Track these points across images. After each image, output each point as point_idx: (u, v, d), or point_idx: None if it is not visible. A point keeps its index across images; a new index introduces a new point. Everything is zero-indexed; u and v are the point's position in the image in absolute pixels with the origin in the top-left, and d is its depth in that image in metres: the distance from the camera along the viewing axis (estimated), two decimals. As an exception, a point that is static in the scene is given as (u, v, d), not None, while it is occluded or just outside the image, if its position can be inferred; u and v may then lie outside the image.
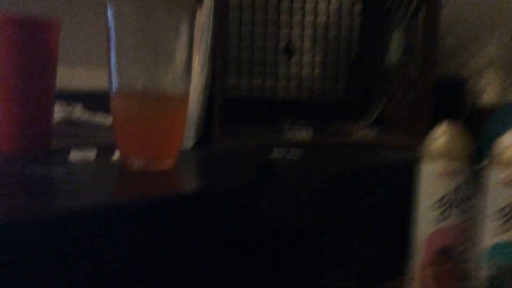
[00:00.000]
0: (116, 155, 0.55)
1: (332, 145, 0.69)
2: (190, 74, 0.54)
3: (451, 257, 0.52)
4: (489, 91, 0.92)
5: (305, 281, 0.52)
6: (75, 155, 0.54)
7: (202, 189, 0.45)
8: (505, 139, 0.49)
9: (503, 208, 0.47)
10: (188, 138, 0.62)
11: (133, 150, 0.51)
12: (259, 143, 0.67)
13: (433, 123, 0.65)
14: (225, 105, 0.68)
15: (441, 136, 0.53)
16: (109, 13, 0.49)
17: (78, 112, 0.67)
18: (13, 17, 0.53)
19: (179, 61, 0.51)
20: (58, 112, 0.64)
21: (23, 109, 0.55)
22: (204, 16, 0.64)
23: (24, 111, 0.55)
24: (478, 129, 0.55)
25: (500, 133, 0.52)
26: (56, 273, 0.32)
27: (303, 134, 0.77)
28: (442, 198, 0.51)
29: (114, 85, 0.50)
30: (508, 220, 0.47)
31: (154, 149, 0.52)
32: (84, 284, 0.33)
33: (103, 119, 0.69)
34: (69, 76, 0.66)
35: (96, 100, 0.68)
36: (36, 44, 0.54)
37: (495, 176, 0.48)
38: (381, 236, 0.55)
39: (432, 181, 0.52)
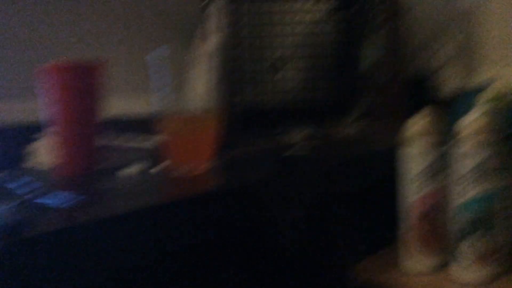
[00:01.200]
0: (153, 169, 0.68)
1: (328, 142, 0.82)
2: (216, 96, 0.66)
3: (431, 219, 0.65)
4: (450, 82, 1.06)
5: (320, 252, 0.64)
6: (122, 172, 0.66)
7: (240, 184, 0.56)
8: (464, 120, 0.62)
9: (464, 175, 0.60)
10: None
11: (176, 160, 0.64)
12: (267, 146, 0.80)
13: (407, 114, 0.79)
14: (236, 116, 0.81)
15: (418, 121, 0.66)
16: (149, 57, 0.62)
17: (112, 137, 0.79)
18: (68, 65, 0.64)
19: (207, 87, 0.64)
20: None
21: (77, 138, 0.66)
22: (210, 44, 0.77)
23: (78, 142, 0.66)
24: (444, 114, 0.68)
25: (460, 116, 0.65)
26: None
27: (299, 136, 0.90)
28: (420, 171, 0.65)
29: (160, 110, 0.63)
30: (468, 184, 0.60)
31: (193, 158, 0.64)
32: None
33: (130, 142, 0.81)
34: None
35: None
36: (86, 84, 0.65)
37: (458, 150, 0.62)
38: (377, 212, 0.68)
39: (412, 158, 0.65)
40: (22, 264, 0.37)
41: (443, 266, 0.65)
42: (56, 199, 0.46)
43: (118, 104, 0.98)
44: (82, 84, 0.65)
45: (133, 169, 0.67)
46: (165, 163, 0.64)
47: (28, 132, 0.81)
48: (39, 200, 0.47)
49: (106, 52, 1.02)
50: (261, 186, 0.54)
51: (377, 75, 0.94)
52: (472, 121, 0.61)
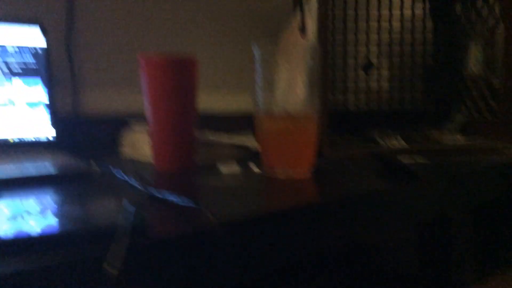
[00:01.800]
0: (254, 167, 0.65)
1: (429, 151, 0.76)
2: (315, 96, 0.63)
3: None
4: None
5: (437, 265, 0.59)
6: (224, 169, 0.63)
7: (347, 194, 0.53)
8: None
9: None
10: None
11: (277, 161, 0.60)
12: (367, 152, 0.75)
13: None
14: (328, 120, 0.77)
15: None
16: (256, 55, 0.59)
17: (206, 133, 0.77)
18: (166, 60, 0.63)
19: (305, 86, 0.61)
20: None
21: (176, 133, 0.64)
22: (305, 43, 0.73)
23: (177, 135, 0.65)
24: None
25: None
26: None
27: (394, 142, 0.85)
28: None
29: (260, 108, 0.60)
30: None
31: (293, 160, 0.61)
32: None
33: (226, 139, 0.78)
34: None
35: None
36: (183, 79, 0.63)
37: None
38: (494, 232, 0.62)
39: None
40: (153, 265, 0.34)
41: None
42: (178, 197, 0.43)
43: (213, 101, 0.97)
44: (181, 78, 0.63)
45: (234, 168, 0.64)
46: (266, 162, 0.60)
47: (121, 123, 0.80)
48: (162, 196, 0.45)
49: (199, 48, 1.01)
50: (371, 196, 0.50)
51: (483, 85, 0.88)
52: None
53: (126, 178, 0.53)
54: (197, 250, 0.37)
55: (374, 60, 1.02)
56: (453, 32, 0.98)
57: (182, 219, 0.40)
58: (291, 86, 0.61)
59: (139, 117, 0.73)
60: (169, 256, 0.35)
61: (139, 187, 0.48)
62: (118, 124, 0.80)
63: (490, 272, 0.63)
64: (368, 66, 1.03)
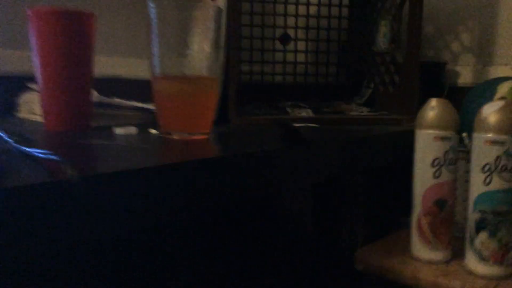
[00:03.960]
0: (152, 130, 0.63)
1: (333, 121, 0.78)
2: (218, 61, 0.61)
3: (443, 208, 0.62)
4: (464, 74, 1.03)
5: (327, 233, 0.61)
6: (119, 130, 0.61)
7: (241, 153, 0.52)
8: (485, 110, 0.59)
9: (484, 165, 0.58)
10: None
11: (173, 124, 0.59)
12: (271, 119, 0.76)
13: (419, 101, 0.75)
14: (238, 88, 0.76)
15: (432, 110, 0.63)
16: (151, 10, 0.56)
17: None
18: (56, 10, 0.58)
19: (208, 50, 0.59)
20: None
21: (67, 91, 0.61)
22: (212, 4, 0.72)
23: (68, 93, 0.61)
24: (456, 106, 0.65)
25: (477, 107, 0.62)
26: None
27: (304, 113, 0.86)
28: (435, 159, 0.62)
29: (157, 70, 0.58)
30: (489, 175, 0.57)
31: (190, 123, 0.59)
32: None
33: (124, 102, 0.76)
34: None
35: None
36: (77, 34, 0.59)
37: (478, 140, 0.59)
38: (387, 196, 0.65)
39: (426, 146, 0.62)
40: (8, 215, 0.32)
41: (454, 256, 0.63)
42: (44, 152, 0.40)
43: (113, 64, 0.92)
44: (74, 32, 0.59)
45: (130, 129, 0.61)
46: (163, 125, 0.59)
47: (22, 81, 0.75)
48: (25, 149, 0.42)
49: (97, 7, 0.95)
50: (265, 156, 0.50)
51: (389, 61, 0.91)
52: (496, 109, 0.58)
53: (1, 134, 0.49)
54: (55, 202, 0.35)
55: (291, 32, 1.03)
56: (366, 9, 1.00)
57: (44, 171, 0.37)
58: (195, 49, 0.59)
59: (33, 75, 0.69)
60: (25, 205, 0.33)
61: (5, 142, 0.45)
62: (14, 85, 0.74)
63: (380, 234, 0.66)
64: (285, 38, 1.03)
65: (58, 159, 0.37)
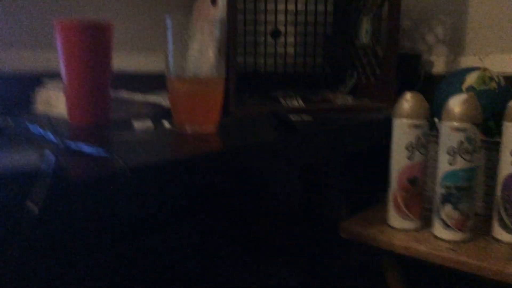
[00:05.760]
0: (166, 123, 0.72)
1: (321, 110, 0.88)
2: (223, 62, 0.70)
3: (415, 184, 0.73)
4: (437, 64, 1.14)
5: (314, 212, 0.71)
6: (137, 125, 0.70)
7: (243, 144, 0.62)
8: (452, 100, 0.70)
9: (450, 148, 0.69)
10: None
11: (186, 118, 0.68)
12: (267, 110, 0.85)
13: (397, 90, 0.86)
14: (236, 82, 0.85)
15: (406, 102, 0.73)
16: (167, 22, 0.65)
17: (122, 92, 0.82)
18: (80, 24, 0.67)
19: (215, 54, 0.68)
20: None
21: (89, 90, 0.70)
22: (216, 14, 0.80)
23: (90, 92, 0.70)
24: (431, 93, 0.75)
25: (447, 96, 0.73)
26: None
27: (294, 102, 0.96)
28: (408, 143, 0.72)
29: (172, 71, 0.67)
30: (453, 156, 0.68)
31: (201, 118, 0.69)
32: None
33: (141, 97, 0.84)
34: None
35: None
36: (97, 42, 0.68)
37: (445, 127, 0.70)
38: (366, 172, 0.76)
39: (401, 133, 0.73)
40: (67, 209, 0.40)
41: (424, 225, 0.74)
42: (91, 148, 0.49)
43: (129, 61, 1.01)
44: (95, 41, 0.68)
45: (147, 124, 0.71)
46: (177, 119, 0.68)
47: (37, 79, 0.83)
48: (75, 147, 0.50)
49: (114, 12, 1.03)
50: (262, 147, 0.60)
51: (370, 54, 1.01)
52: (459, 101, 0.69)
53: (42, 132, 0.57)
54: (108, 193, 0.43)
55: (281, 28, 1.12)
56: (350, 7, 1.09)
57: (96, 166, 0.46)
58: (203, 54, 0.68)
59: (53, 76, 0.77)
60: (85, 197, 0.42)
61: (55, 140, 0.54)
62: (30, 82, 0.82)
63: (361, 207, 0.77)
64: (276, 33, 1.12)
65: (108, 156, 0.46)
